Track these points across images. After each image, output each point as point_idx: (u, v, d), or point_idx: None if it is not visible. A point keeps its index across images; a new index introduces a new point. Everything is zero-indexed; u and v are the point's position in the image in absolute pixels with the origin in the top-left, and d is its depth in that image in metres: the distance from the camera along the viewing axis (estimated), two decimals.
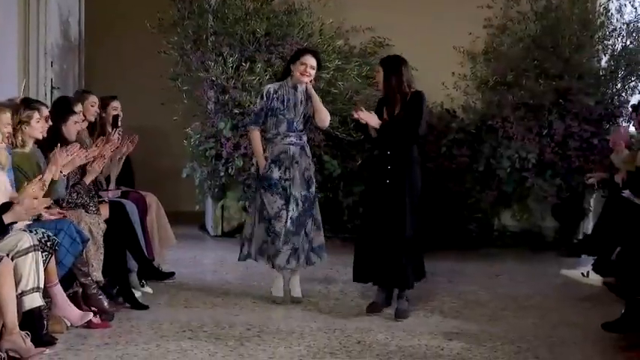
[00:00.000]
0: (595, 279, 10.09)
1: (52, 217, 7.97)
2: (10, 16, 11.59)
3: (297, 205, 8.93)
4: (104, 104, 10.22)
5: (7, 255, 7.06)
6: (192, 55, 12.07)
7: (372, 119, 8.55)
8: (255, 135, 9.05)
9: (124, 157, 9.98)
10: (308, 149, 9.14)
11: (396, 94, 8.57)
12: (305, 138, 9.08)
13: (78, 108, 9.39)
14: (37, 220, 7.86)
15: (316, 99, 8.98)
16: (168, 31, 12.17)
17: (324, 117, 8.99)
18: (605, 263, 9.66)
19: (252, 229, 9.19)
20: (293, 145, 8.95)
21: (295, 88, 8.94)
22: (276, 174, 8.92)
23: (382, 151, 8.62)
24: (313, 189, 9.09)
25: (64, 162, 8.13)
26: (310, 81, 8.97)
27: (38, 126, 8.24)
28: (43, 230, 7.51)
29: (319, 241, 9.19)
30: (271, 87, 9.04)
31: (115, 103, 10.28)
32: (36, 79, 11.89)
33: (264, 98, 8.97)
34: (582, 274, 10.41)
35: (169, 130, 12.99)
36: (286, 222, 8.89)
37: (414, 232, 8.57)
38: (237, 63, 11.92)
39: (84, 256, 8.19)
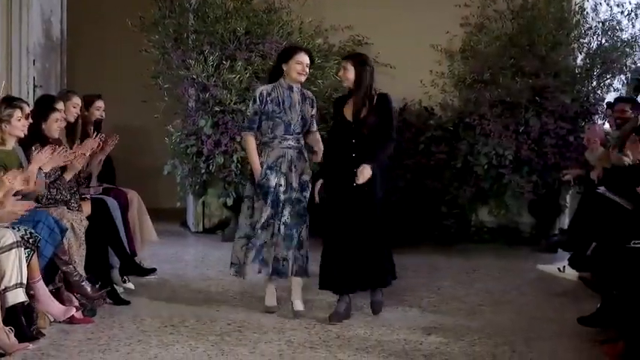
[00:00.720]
0: (571, 273, 10.14)
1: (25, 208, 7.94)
2: None
3: (291, 207, 8.44)
4: (88, 102, 10.19)
5: None
6: (173, 54, 12.05)
7: (365, 174, 8.03)
8: (250, 141, 8.50)
9: (104, 157, 9.97)
10: (305, 153, 8.62)
11: (365, 95, 8.22)
12: (302, 141, 8.59)
13: (60, 106, 9.34)
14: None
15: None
16: (150, 29, 12.15)
17: (318, 147, 8.60)
18: (581, 258, 9.69)
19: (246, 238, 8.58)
20: (291, 148, 8.46)
21: (291, 88, 8.47)
22: (272, 181, 8.39)
23: (346, 154, 8.21)
24: (307, 194, 8.53)
25: (44, 161, 8.10)
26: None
27: (19, 124, 8.20)
28: (25, 227, 7.50)
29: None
30: (264, 89, 8.50)
31: (99, 103, 10.25)
32: (18, 78, 11.86)
33: (258, 102, 8.46)
34: (558, 269, 10.49)
35: (151, 127, 12.97)
36: (279, 229, 8.41)
37: (383, 231, 8.36)
38: (218, 61, 11.92)
39: (64, 245, 8.19)
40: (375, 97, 8.28)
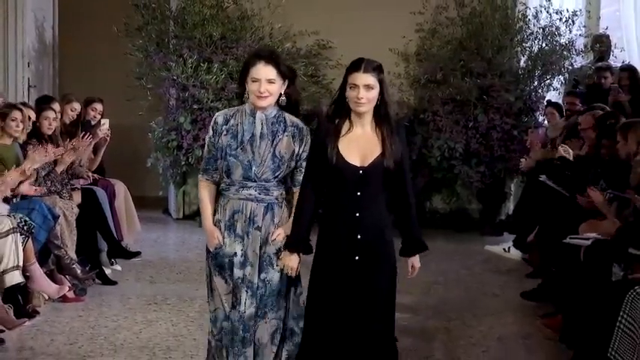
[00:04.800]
0: (515, 254, 10.22)
1: (31, 192, 7.99)
2: None
3: (250, 292, 5.22)
4: (88, 102, 10.25)
5: None
6: (155, 57, 12.02)
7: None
8: (202, 191, 5.41)
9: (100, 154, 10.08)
10: (281, 211, 5.28)
11: (392, 126, 5.09)
12: (277, 193, 5.25)
13: (56, 107, 9.37)
14: (14, 196, 7.92)
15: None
16: (134, 34, 12.12)
17: None
18: (524, 241, 9.77)
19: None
20: (252, 200, 5.22)
21: (253, 114, 5.24)
22: (230, 247, 5.25)
23: (345, 213, 5.04)
24: (273, 276, 5.25)
25: (37, 160, 8.11)
26: (280, 100, 5.26)
27: (12, 124, 8.23)
28: (21, 215, 7.52)
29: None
30: (221, 115, 5.33)
31: (98, 106, 10.29)
32: (14, 78, 11.89)
33: (211, 132, 5.33)
34: (504, 249, 10.56)
35: (135, 124, 12.92)
36: (239, 326, 5.24)
37: (390, 324, 5.34)
38: (196, 63, 11.89)
39: (56, 230, 8.20)
40: (393, 124, 5.13)
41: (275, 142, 5.24)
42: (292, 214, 5.23)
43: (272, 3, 12.15)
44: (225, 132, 5.26)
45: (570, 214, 8.05)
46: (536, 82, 12.39)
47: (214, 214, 5.34)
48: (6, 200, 7.71)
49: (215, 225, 5.31)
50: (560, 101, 11.70)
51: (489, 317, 7.96)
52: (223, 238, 5.26)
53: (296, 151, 5.27)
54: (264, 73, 5.16)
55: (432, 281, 9.27)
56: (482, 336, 7.44)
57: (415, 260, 5.47)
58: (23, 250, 7.41)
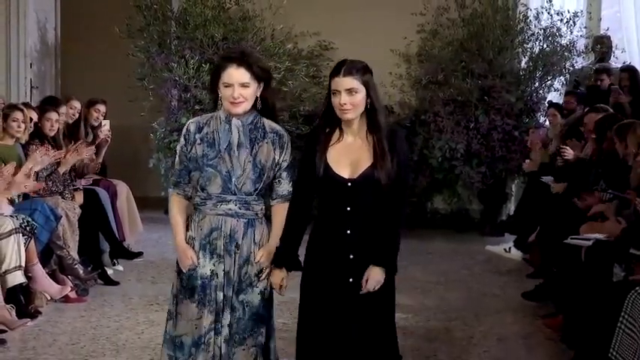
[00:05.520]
0: (516, 254, 10.22)
1: (30, 187, 8.00)
2: None
3: (231, 314, 4.76)
4: (91, 103, 10.26)
5: None
6: (157, 58, 12.01)
7: None
8: (174, 205, 4.97)
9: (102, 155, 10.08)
10: (262, 227, 4.83)
11: (385, 134, 4.59)
12: (258, 207, 4.80)
13: (62, 110, 9.41)
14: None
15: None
16: (136, 35, 12.11)
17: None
18: (525, 241, 9.78)
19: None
20: (232, 216, 4.76)
21: (229, 121, 4.77)
22: (206, 268, 4.78)
23: (335, 230, 4.58)
24: (255, 296, 4.79)
25: (38, 161, 8.12)
26: (257, 105, 4.80)
27: (14, 125, 8.26)
28: (23, 216, 7.53)
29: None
30: (193, 123, 4.87)
31: (102, 107, 10.29)
32: (17, 79, 11.91)
33: (183, 140, 4.85)
34: (505, 249, 10.56)
35: (137, 125, 12.92)
36: (220, 350, 4.77)
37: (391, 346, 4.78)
38: (198, 64, 11.88)
39: (58, 231, 8.21)
40: (386, 131, 4.61)
41: (255, 151, 4.76)
42: (271, 232, 4.80)
43: (273, 4, 12.14)
44: (199, 141, 4.78)
45: (571, 214, 8.05)
46: (537, 83, 12.39)
47: (187, 231, 4.87)
48: (11, 203, 7.71)
49: (188, 243, 4.84)
50: (561, 102, 11.70)
51: (490, 317, 7.96)
52: (198, 258, 4.78)
53: (276, 160, 4.79)
54: (237, 76, 4.70)
55: (432, 281, 9.28)
56: (483, 336, 7.44)
57: (376, 272, 4.59)
58: (25, 250, 7.42)
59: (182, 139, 4.86)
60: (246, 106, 4.74)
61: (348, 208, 4.54)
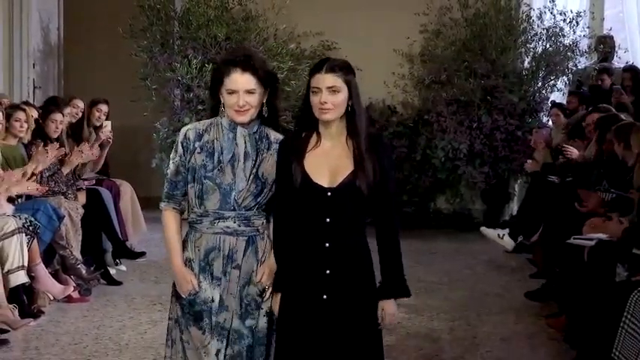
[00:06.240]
0: (508, 242, 10.09)
1: (33, 190, 8.00)
2: None
3: (226, 342, 4.34)
4: (93, 103, 10.26)
5: None
6: (159, 57, 12.01)
7: None
8: (169, 221, 4.48)
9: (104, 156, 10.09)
10: (263, 243, 4.40)
11: (365, 137, 4.20)
12: (258, 222, 4.38)
13: (67, 110, 9.43)
14: (19, 197, 7.94)
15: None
16: (138, 35, 12.11)
17: None
18: (524, 228, 9.79)
19: None
20: (231, 234, 4.33)
21: (234, 129, 4.35)
22: (207, 292, 4.34)
23: (313, 243, 4.16)
24: (260, 322, 4.37)
25: (41, 161, 8.12)
26: (263, 112, 4.38)
27: (17, 125, 8.27)
28: (26, 216, 7.53)
29: None
30: (192, 129, 4.41)
31: (104, 107, 10.28)
32: (19, 79, 11.90)
33: (181, 149, 4.39)
34: (498, 235, 10.41)
35: (140, 125, 12.93)
36: None
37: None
38: (201, 64, 11.88)
39: (61, 231, 8.21)
40: (368, 138, 4.23)
41: (258, 162, 4.33)
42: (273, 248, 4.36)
43: (276, 4, 12.13)
44: (199, 149, 4.33)
45: (574, 214, 8.04)
46: (540, 83, 12.39)
47: (183, 251, 4.40)
48: (11, 200, 7.71)
49: (185, 265, 4.37)
50: (564, 102, 11.70)
51: (493, 317, 7.95)
52: (198, 281, 4.33)
53: (270, 175, 4.35)
54: (242, 83, 4.26)
55: (435, 281, 9.27)
56: (486, 336, 7.43)
57: (389, 305, 4.25)
58: (28, 250, 7.41)
59: (179, 147, 4.38)
60: (253, 113, 4.31)
61: (328, 220, 4.13)
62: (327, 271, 4.14)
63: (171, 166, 4.40)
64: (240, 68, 4.27)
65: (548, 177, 9.65)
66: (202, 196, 4.32)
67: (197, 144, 4.34)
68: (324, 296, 4.14)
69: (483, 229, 10.47)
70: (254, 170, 4.32)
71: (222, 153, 4.31)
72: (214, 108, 4.43)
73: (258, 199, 4.33)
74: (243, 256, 4.33)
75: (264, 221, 4.41)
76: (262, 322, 4.37)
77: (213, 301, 4.31)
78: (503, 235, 10.38)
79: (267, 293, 4.35)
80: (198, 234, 4.36)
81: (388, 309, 4.23)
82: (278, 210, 4.29)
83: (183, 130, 4.41)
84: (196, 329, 4.33)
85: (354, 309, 4.17)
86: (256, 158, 4.33)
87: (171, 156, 4.43)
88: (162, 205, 4.47)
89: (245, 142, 4.33)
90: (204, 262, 4.34)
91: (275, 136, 4.39)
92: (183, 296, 4.34)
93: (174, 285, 4.41)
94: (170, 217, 4.45)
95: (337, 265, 4.16)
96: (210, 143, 4.33)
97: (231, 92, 4.27)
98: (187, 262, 4.37)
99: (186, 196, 4.42)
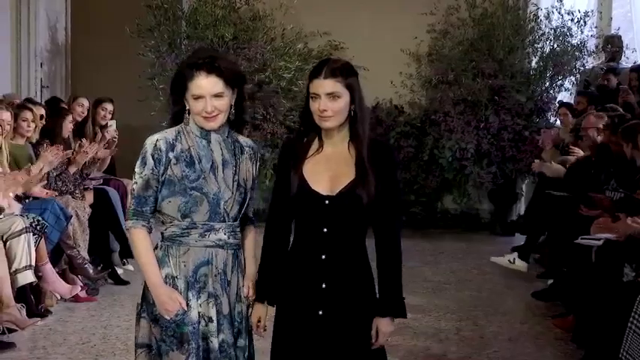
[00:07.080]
0: (521, 265, 10.11)
1: (42, 195, 8.03)
2: (3, 22, 11.62)
3: None
4: (98, 102, 10.27)
5: (2, 237, 7.10)
6: (167, 57, 12.03)
7: None
8: (141, 241, 4.02)
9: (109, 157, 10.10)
10: (242, 256, 4.16)
11: (367, 144, 3.94)
12: (240, 234, 4.13)
13: (76, 109, 9.49)
14: (26, 197, 7.94)
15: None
16: (146, 35, 12.13)
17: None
18: (531, 248, 9.78)
19: None
20: (222, 247, 4.02)
21: (206, 136, 4.05)
22: (194, 311, 3.97)
23: (310, 254, 3.93)
24: (244, 336, 4.11)
25: (50, 160, 8.14)
26: (230, 114, 4.05)
27: (24, 124, 8.30)
28: (34, 215, 7.54)
29: None
30: (162, 140, 4.06)
31: (109, 106, 10.28)
32: (27, 79, 11.94)
33: (152, 162, 4.03)
34: (509, 261, 10.44)
35: (147, 124, 12.94)
36: None
37: None
38: None
39: (69, 230, 8.23)
40: (370, 145, 3.96)
41: (236, 169, 4.05)
42: (246, 259, 4.14)
43: (284, 4, 12.15)
44: (174, 160, 3.98)
45: (581, 214, 8.03)
46: (547, 83, 12.39)
47: (160, 269, 4.00)
48: (18, 200, 7.73)
49: (166, 284, 3.98)
50: (572, 102, 11.68)
51: (500, 317, 7.95)
52: (186, 300, 3.96)
53: (254, 177, 4.12)
54: (208, 87, 3.92)
55: (442, 281, 9.28)
56: (493, 336, 7.43)
57: (384, 324, 3.96)
58: (36, 249, 7.42)
59: (149, 159, 4.01)
60: (223, 118, 3.98)
61: (325, 230, 3.88)
62: (324, 285, 3.90)
63: (139, 180, 4.01)
64: (205, 71, 3.92)
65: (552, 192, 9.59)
66: (190, 208, 3.96)
67: (171, 154, 4.00)
68: (320, 312, 3.91)
69: (493, 258, 10.47)
70: (236, 177, 4.04)
71: (200, 162, 4.00)
72: (177, 115, 4.08)
73: (242, 208, 4.07)
74: (232, 271, 4.06)
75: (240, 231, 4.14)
76: (253, 341, 4.17)
77: (211, 321, 3.97)
78: (514, 259, 10.37)
79: (251, 308, 4.13)
80: (183, 248, 3.99)
81: (384, 328, 3.96)
82: (271, 217, 4.04)
83: (151, 140, 4.06)
84: (180, 354, 3.92)
85: (352, 326, 3.93)
86: (235, 164, 4.05)
87: (136, 170, 4.05)
88: (129, 223, 4.02)
89: (221, 149, 4.04)
90: (193, 279, 3.98)
91: (244, 139, 4.16)
92: (167, 317, 3.94)
93: (141, 305, 4.06)
94: (140, 236, 4.00)
95: (334, 278, 3.90)
96: (186, 152, 4.01)
97: (197, 98, 3.94)
98: (167, 280, 3.98)
99: (155, 213, 4.04)
